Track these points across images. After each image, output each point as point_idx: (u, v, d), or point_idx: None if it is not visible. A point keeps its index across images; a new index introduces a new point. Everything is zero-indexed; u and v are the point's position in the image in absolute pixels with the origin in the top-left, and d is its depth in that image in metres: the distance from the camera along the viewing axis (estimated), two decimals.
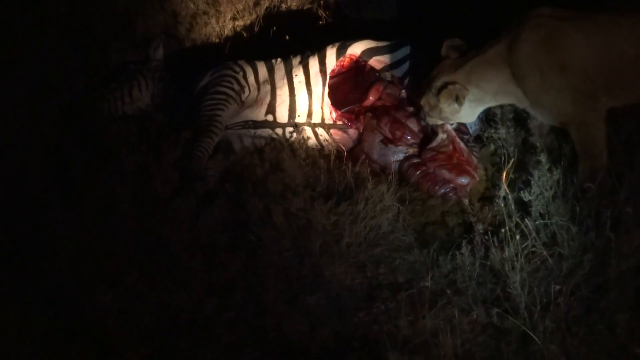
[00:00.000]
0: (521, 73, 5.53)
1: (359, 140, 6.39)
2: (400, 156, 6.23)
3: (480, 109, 5.87)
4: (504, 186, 5.50)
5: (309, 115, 6.59)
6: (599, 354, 4.53)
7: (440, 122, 5.99)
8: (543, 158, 5.33)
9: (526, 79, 5.53)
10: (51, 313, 5.10)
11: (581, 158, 5.51)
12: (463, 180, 5.97)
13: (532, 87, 5.54)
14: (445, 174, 5.99)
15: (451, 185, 5.96)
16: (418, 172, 6.05)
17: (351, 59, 6.65)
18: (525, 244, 5.00)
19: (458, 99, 5.65)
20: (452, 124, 6.07)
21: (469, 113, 5.85)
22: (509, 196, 5.41)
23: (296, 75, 6.70)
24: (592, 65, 5.45)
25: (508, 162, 5.63)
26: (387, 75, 6.55)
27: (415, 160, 6.16)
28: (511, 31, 5.59)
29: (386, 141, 6.25)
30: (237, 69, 6.80)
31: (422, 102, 5.88)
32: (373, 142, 6.28)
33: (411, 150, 6.23)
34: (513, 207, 5.35)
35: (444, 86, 5.68)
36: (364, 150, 6.29)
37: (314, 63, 6.70)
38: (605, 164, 5.45)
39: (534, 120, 5.90)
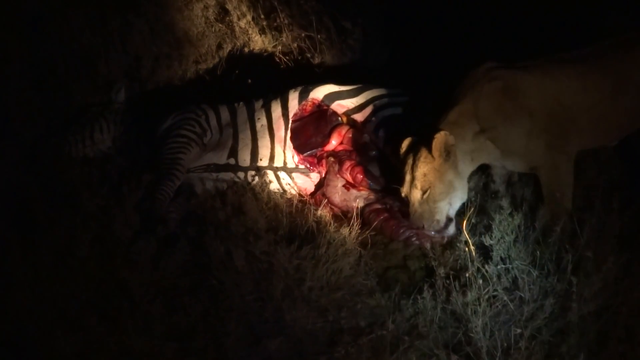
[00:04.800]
0: (491, 125, 5.51)
1: (322, 184, 6.41)
2: (362, 201, 6.22)
3: (468, 172, 5.66)
4: (466, 231, 5.53)
5: (271, 159, 6.58)
6: None
7: (443, 212, 5.61)
8: (504, 203, 5.36)
9: (496, 130, 5.52)
10: (9, 357, 5.04)
11: (546, 201, 5.56)
12: (432, 232, 5.80)
13: (504, 137, 5.55)
14: None
15: (415, 231, 5.88)
16: (381, 218, 6.03)
17: (313, 103, 6.67)
18: (486, 289, 5.00)
19: (450, 149, 5.39)
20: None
21: (464, 178, 5.63)
22: (471, 241, 5.44)
23: (258, 119, 6.70)
24: (550, 110, 5.53)
25: (470, 207, 5.66)
26: (350, 120, 6.58)
27: (378, 206, 6.14)
28: (467, 89, 5.57)
29: (348, 186, 6.26)
30: (200, 112, 6.81)
31: (420, 181, 5.51)
32: (336, 187, 6.29)
33: (373, 196, 6.23)
34: (474, 251, 5.38)
35: (431, 141, 5.39)
36: (326, 194, 6.30)
37: (276, 107, 6.70)
38: (569, 208, 5.51)
39: (496, 167, 5.93)
